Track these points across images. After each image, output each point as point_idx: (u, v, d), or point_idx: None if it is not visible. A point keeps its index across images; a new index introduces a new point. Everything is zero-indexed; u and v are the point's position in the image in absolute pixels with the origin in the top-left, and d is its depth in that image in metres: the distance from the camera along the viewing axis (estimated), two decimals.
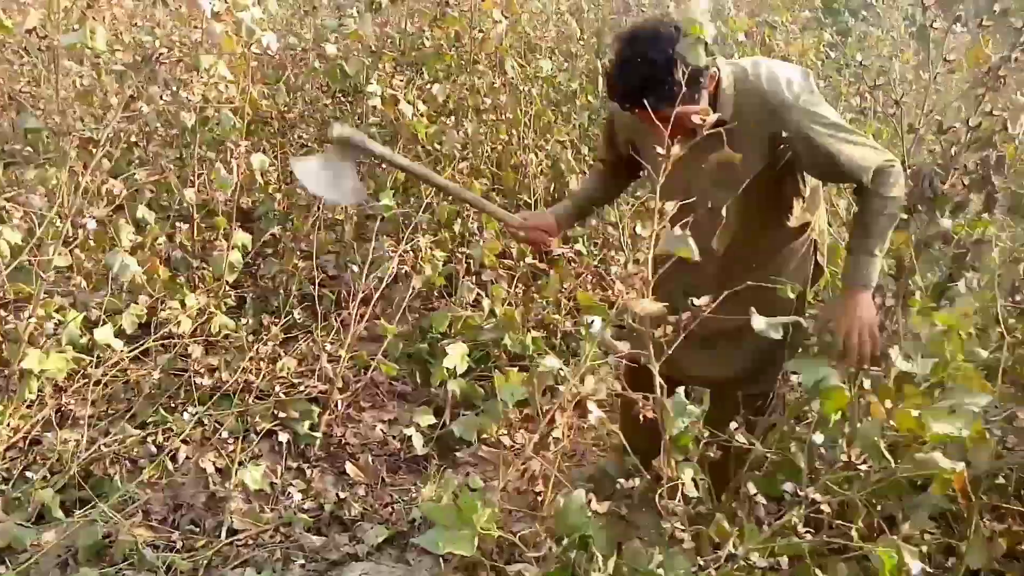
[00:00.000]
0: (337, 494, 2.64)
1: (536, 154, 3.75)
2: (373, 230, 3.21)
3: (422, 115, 3.37)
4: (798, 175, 2.06)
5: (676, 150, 1.54)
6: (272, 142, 4.01)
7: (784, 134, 1.91)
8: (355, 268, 3.11)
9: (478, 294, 3.28)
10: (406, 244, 3.17)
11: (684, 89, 1.67)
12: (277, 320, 3.16)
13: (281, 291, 3.34)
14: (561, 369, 3.26)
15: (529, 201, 3.68)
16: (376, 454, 2.89)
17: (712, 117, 1.63)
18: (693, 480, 1.50)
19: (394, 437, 2.94)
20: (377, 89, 3.19)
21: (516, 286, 3.40)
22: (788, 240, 2.15)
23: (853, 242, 1.97)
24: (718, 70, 1.89)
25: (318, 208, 3.51)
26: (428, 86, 3.54)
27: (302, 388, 2.97)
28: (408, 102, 3.28)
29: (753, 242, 2.07)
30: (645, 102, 1.73)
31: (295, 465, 2.79)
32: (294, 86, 3.76)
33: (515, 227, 2.26)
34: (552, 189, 3.91)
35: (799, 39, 4.96)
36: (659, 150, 1.55)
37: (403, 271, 3.26)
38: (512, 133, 3.85)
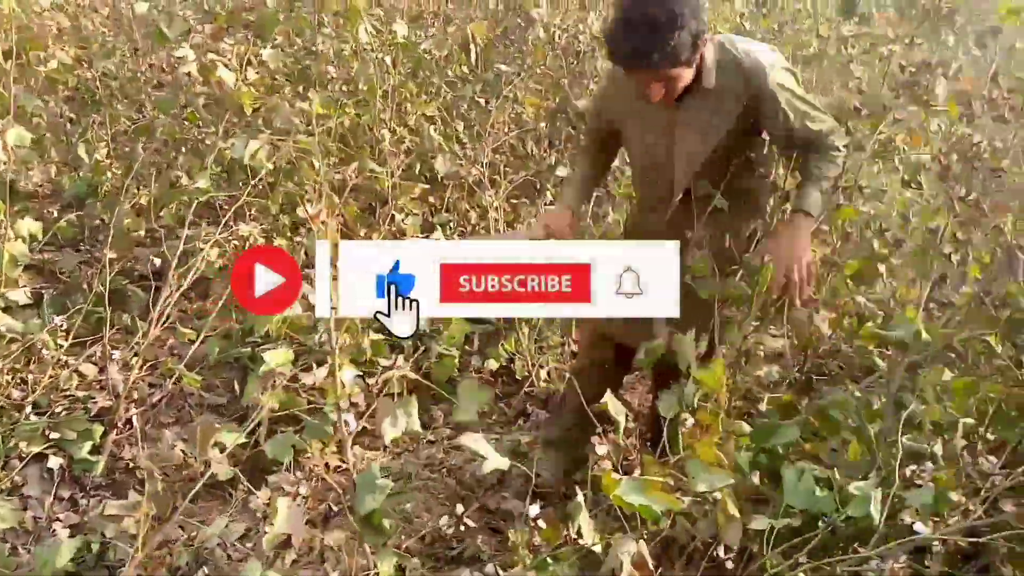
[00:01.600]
0: (102, 533, 2.24)
1: (395, 131, 3.33)
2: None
3: (250, 84, 2.94)
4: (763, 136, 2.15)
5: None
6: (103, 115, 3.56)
7: (754, 99, 2.00)
8: (157, 261, 2.68)
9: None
10: (225, 231, 2.76)
11: (687, 51, 1.83)
12: (77, 322, 2.73)
13: (85, 287, 2.90)
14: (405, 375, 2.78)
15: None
16: (172, 479, 2.50)
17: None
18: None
19: (196, 458, 2.54)
20: (189, 54, 2.74)
21: None
22: (749, 192, 2.19)
23: (802, 174, 2.07)
24: (710, 37, 1.94)
25: (137, 188, 3.08)
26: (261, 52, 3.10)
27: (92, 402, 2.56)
28: (230, 69, 2.84)
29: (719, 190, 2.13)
30: (649, 61, 1.83)
31: (68, 495, 2.39)
32: (110, 51, 3.29)
33: (543, 238, 2.18)
34: (418, 169, 3.51)
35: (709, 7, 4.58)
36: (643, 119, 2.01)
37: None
38: (374, 106, 3.44)
